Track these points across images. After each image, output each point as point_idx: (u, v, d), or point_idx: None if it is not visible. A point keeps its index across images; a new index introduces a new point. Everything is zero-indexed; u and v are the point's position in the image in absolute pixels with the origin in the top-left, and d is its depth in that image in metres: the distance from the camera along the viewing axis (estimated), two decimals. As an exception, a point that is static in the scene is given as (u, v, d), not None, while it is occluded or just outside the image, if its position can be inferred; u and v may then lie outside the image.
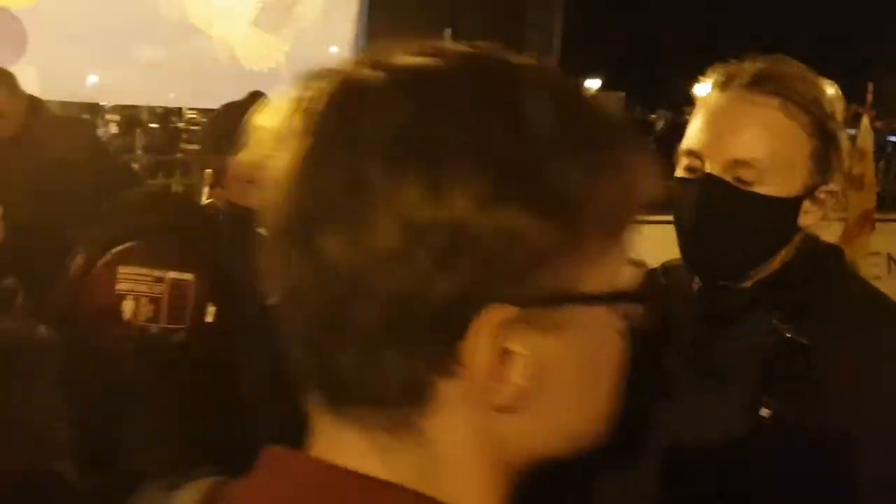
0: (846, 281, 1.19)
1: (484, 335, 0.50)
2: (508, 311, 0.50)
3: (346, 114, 0.52)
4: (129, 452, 1.96)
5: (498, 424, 0.53)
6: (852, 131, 6.38)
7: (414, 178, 0.49)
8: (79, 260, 1.90)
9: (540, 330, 0.52)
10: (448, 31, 11.57)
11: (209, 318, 1.83)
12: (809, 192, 1.14)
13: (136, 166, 7.60)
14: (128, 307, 1.75)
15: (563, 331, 0.52)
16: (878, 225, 6.13)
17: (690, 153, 1.15)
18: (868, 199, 6.03)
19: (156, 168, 10.93)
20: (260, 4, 5.14)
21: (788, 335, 1.05)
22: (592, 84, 33.20)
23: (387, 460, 0.52)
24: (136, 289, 1.76)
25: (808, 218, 1.16)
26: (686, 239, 1.16)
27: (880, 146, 13.08)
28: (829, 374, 1.03)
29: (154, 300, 1.77)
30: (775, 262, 1.18)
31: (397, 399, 0.52)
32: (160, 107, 9.21)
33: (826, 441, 1.03)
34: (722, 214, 1.12)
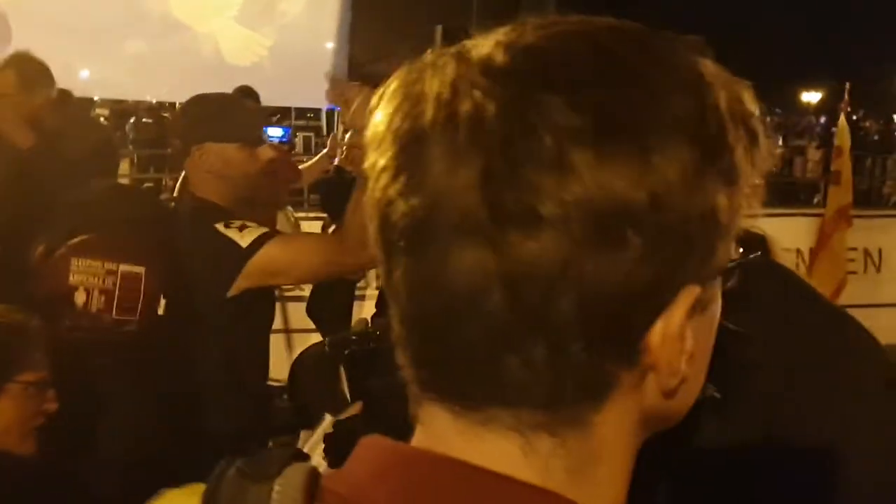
0: (772, 269, 1.26)
1: (676, 319, 0.48)
2: (696, 291, 0.48)
3: (521, 99, 0.46)
4: (103, 439, 2.03)
5: (655, 408, 0.52)
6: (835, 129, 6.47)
7: (623, 160, 0.45)
8: (39, 250, 1.96)
9: (700, 307, 0.50)
10: (440, 28, 11.66)
11: (160, 311, 1.89)
12: None
13: (126, 160, 7.66)
14: (80, 298, 1.81)
15: (711, 305, 0.52)
16: (855, 221, 6.20)
17: None
18: (845, 196, 6.11)
19: (147, 162, 10.98)
20: (243, 1, 5.20)
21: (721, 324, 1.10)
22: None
23: (536, 463, 0.49)
24: (89, 280, 1.82)
25: None
26: None
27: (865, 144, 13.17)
28: (759, 357, 1.09)
29: (105, 292, 1.82)
30: None
31: (577, 396, 0.48)
32: (151, 101, 9.25)
33: (753, 418, 1.09)
34: None
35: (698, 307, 0.49)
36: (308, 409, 2.72)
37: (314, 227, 4.98)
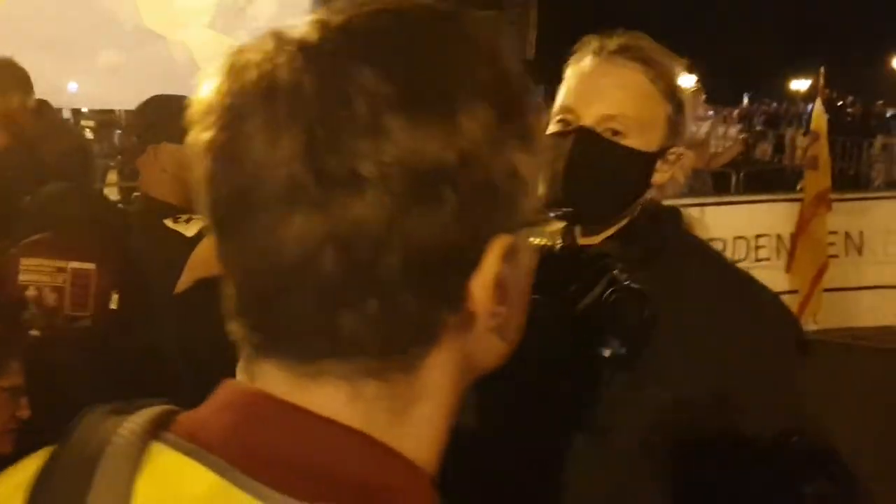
0: (682, 238, 1.31)
1: (491, 266, 0.53)
2: (507, 240, 0.54)
3: (335, 72, 0.50)
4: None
5: (477, 349, 0.56)
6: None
7: (433, 123, 0.50)
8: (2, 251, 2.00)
9: (512, 255, 0.55)
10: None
11: (113, 306, 1.92)
12: (663, 151, 1.26)
13: (115, 171, 7.68)
14: (31, 296, 1.85)
15: (520, 253, 0.56)
16: (835, 205, 6.24)
17: (565, 110, 1.25)
18: (823, 180, 6.14)
19: (135, 171, 11.00)
20: (214, 7, 5.22)
21: (626, 283, 1.15)
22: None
23: (361, 407, 0.53)
24: (39, 279, 1.85)
25: (659, 176, 1.27)
26: (558, 185, 1.24)
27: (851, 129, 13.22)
28: (665, 317, 1.14)
29: (57, 289, 1.86)
30: (623, 220, 1.29)
31: (408, 343, 0.53)
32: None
33: (662, 375, 1.13)
34: (594, 162, 1.23)
35: (511, 255, 0.54)
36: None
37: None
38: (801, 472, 1.11)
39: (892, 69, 37.68)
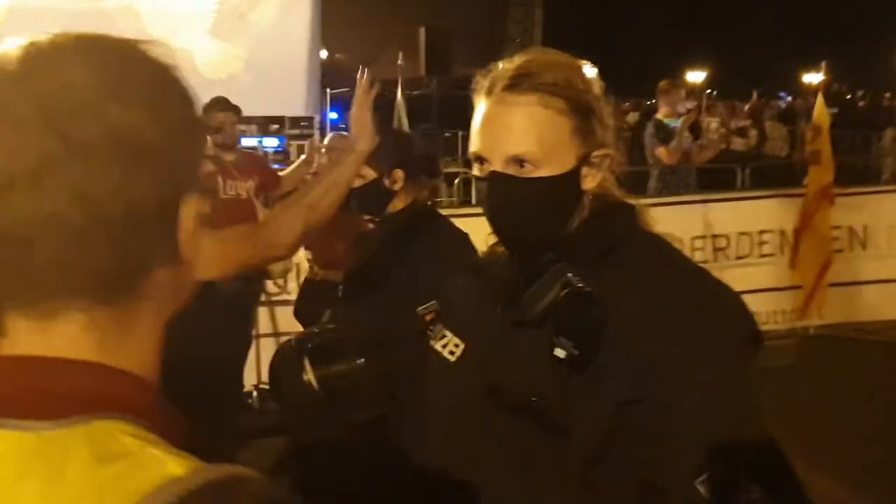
0: (634, 234, 1.32)
1: (186, 218, 0.71)
2: (195, 199, 0.72)
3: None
4: None
5: (179, 286, 0.74)
6: (835, 110, 6.47)
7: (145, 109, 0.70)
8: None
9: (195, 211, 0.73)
10: (422, 31, 11.75)
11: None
12: (583, 162, 1.28)
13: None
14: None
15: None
16: (838, 199, 6.24)
17: (475, 156, 1.31)
18: (826, 175, 6.14)
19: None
20: (215, 15, 5.30)
21: (577, 285, 1.19)
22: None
23: (94, 335, 0.68)
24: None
25: (589, 181, 1.30)
26: (494, 228, 1.33)
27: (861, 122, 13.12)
28: (617, 317, 1.18)
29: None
30: (574, 223, 1.32)
31: (132, 277, 0.69)
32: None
33: (614, 372, 1.17)
34: (513, 203, 1.27)
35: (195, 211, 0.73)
36: (285, 400, 2.84)
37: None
38: (734, 481, 1.15)
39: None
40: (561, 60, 1.31)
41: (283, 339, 5.17)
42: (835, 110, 19.31)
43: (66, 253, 0.65)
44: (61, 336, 0.67)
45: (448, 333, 1.43)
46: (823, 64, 6.52)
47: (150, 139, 0.67)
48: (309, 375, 2.63)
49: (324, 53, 18.64)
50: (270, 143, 13.20)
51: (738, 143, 20.06)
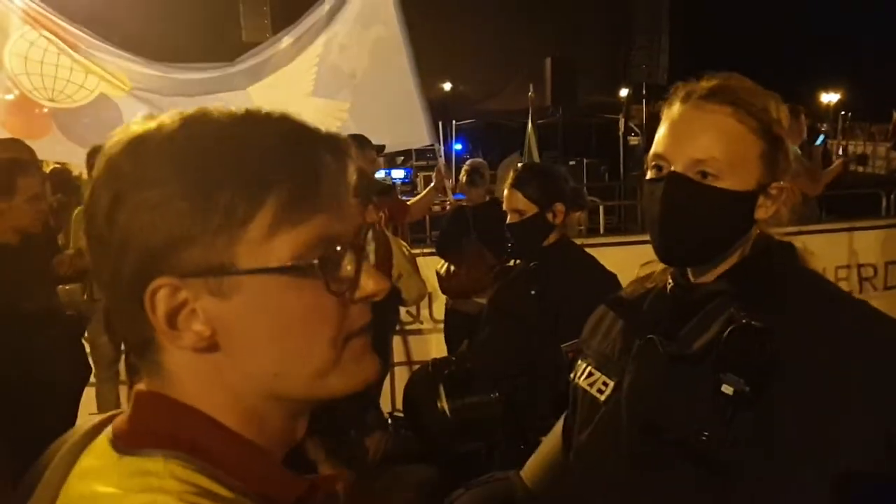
0: (798, 273, 1.31)
1: (157, 298, 0.70)
2: (168, 280, 0.70)
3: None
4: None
5: (213, 362, 0.73)
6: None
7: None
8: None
9: (209, 293, 0.71)
10: (549, 61, 11.84)
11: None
12: (762, 188, 1.27)
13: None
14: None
15: (233, 294, 0.71)
16: None
17: (657, 157, 1.30)
18: None
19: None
20: (314, 77, 5.58)
21: (744, 321, 1.18)
22: (711, 98, 32.28)
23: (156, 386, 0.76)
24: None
25: (762, 211, 1.29)
26: (656, 231, 1.29)
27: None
28: (786, 354, 1.15)
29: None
30: (734, 257, 1.30)
31: (140, 347, 0.75)
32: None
33: (788, 413, 1.14)
34: (687, 206, 1.26)
35: (205, 291, 0.71)
36: (419, 423, 2.90)
37: (435, 262, 5.20)
38: None
39: None
40: (759, 87, 1.33)
41: (416, 367, 5.31)
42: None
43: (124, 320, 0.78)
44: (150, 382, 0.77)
45: (595, 371, 1.41)
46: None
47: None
48: (443, 404, 2.68)
49: (448, 86, 19.02)
50: (398, 174, 13.65)
51: (878, 167, 18.89)
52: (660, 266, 1.39)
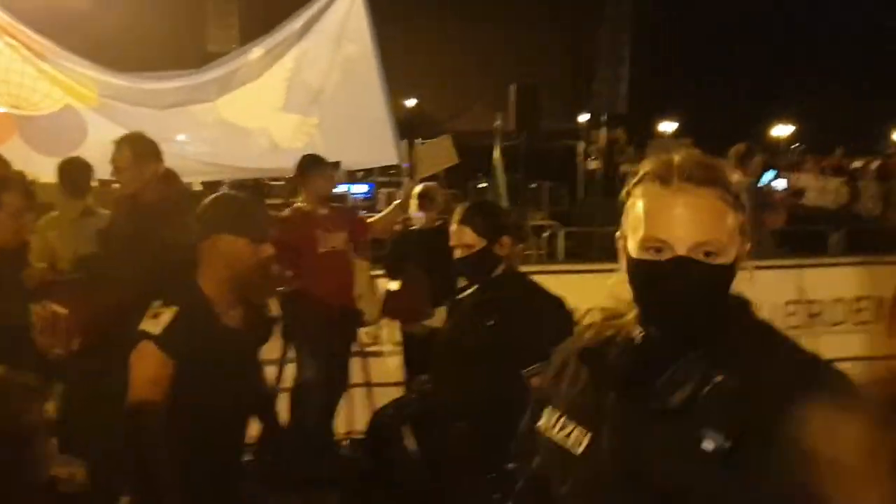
0: (755, 328, 1.38)
1: None
2: None
3: None
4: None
5: None
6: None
7: None
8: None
9: None
10: (513, 87, 11.99)
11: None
12: (742, 257, 1.35)
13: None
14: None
15: None
16: None
17: (655, 240, 1.32)
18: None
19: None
20: (285, 92, 5.60)
21: (719, 377, 1.24)
22: (668, 127, 32.91)
23: None
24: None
25: (736, 275, 1.36)
26: (661, 313, 1.33)
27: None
28: (754, 409, 1.20)
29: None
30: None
31: None
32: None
33: (766, 470, 1.20)
34: (697, 287, 1.31)
35: None
36: (385, 464, 2.93)
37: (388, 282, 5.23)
38: None
39: None
40: (717, 161, 1.39)
41: (376, 389, 5.33)
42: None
43: None
44: None
45: (568, 422, 1.42)
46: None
47: None
48: (408, 441, 2.75)
49: (411, 102, 19.05)
50: (359, 189, 13.58)
51: (828, 201, 19.43)
52: (624, 315, 1.42)
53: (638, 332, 1.39)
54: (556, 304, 2.76)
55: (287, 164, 5.10)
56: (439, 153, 5.79)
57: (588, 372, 1.43)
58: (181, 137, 5.53)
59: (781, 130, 33.19)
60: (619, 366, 1.39)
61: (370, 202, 13.09)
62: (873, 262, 6.48)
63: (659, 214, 1.32)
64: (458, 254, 2.81)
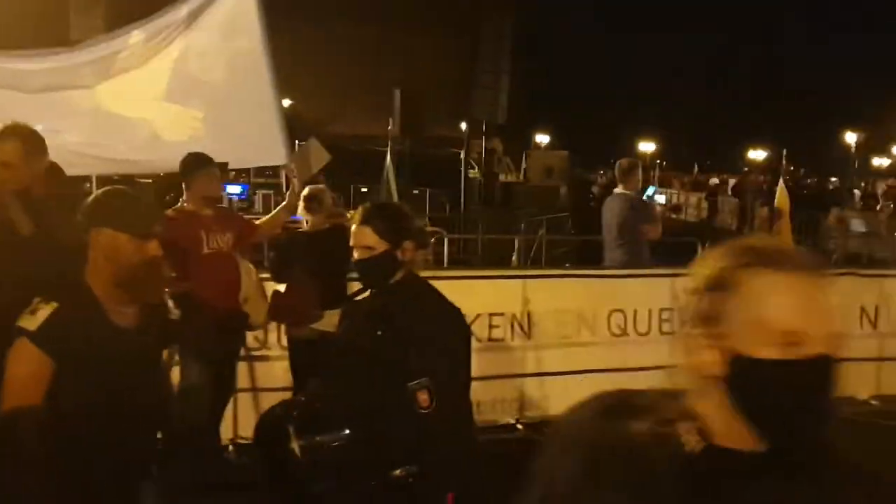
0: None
1: None
2: None
3: None
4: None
5: None
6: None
7: None
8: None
9: None
10: (398, 92, 12.01)
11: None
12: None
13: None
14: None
15: None
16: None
17: (790, 333, 1.12)
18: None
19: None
20: (167, 82, 5.38)
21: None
22: (542, 139, 34.04)
23: None
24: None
25: None
26: (798, 419, 1.14)
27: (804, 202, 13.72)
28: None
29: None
30: None
31: None
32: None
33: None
34: (830, 387, 1.13)
35: None
36: (270, 466, 2.85)
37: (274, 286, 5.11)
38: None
39: (845, 145, 39.01)
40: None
41: (262, 394, 5.18)
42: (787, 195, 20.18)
43: None
44: None
45: None
46: (784, 151, 6.89)
47: None
48: (293, 444, 2.66)
49: (287, 102, 18.76)
50: (234, 189, 13.23)
51: (690, 215, 20.60)
52: (678, 418, 1.20)
53: (695, 441, 1.18)
54: (453, 314, 2.69)
55: (169, 158, 4.87)
56: (311, 155, 5.71)
57: (630, 484, 1.19)
58: (54, 125, 5.14)
59: (646, 147, 34.92)
60: (668, 481, 1.16)
61: (245, 203, 12.77)
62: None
63: (795, 304, 1.13)
64: (357, 255, 2.69)
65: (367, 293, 2.80)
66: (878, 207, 17.09)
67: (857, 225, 15.36)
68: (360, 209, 2.76)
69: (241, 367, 4.93)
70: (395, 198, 8.77)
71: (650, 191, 7.69)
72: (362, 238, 2.67)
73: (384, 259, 2.67)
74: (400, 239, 2.68)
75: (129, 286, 2.32)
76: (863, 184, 26.52)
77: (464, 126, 14.45)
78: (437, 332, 2.60)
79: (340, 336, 2.89)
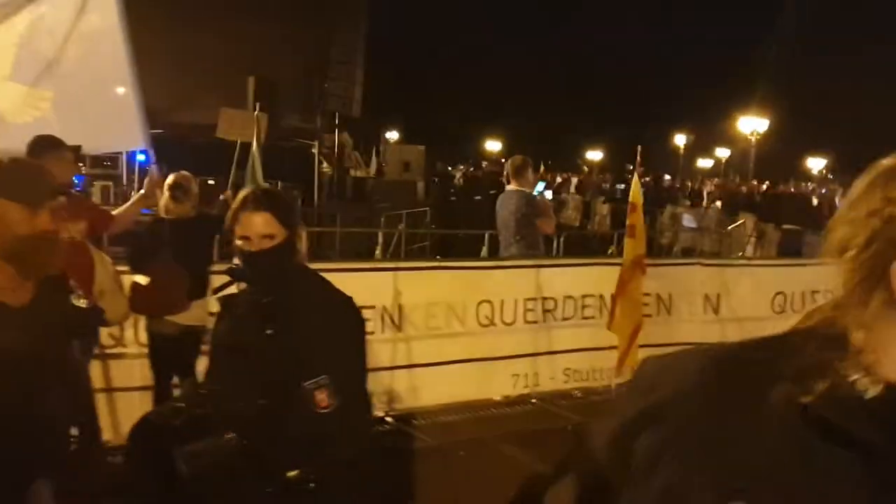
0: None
1: None
2: None
3: None
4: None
5: None
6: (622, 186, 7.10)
7: None
8: None
9: None
10: (252, 79, 11.60)
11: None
12: None
13: None
14: None
15: None
16: (648, 269, 6.84)
17: None
18: (640, 246, 6.72)
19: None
20: (13, 59, 4.97)
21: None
22: (392, 135, 34.16)
23: None
24: None
25: None
26: None
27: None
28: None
29: None
30: None
31: None
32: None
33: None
34: None
35: None
36: (146, 475, 2.64)
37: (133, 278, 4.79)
38: None
39: (676, 146, 42.43)
40: None
41: (118, 394, 4.83)
42: (622, 187, 21.52)
43: None
44: None
45: None
46: (639, 148, 7.21)
47: None
48: (178, 457, 2.41)
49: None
50: (69, 181, 12.32)
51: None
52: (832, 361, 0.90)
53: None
54: (348, 305, 2.53)
55: (14, 141, 4.46)
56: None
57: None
58: None
59: (492, 146, 35.83)
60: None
61: (81, 195, 11.93)
62: (597, 263, 7.20)
63: None
64: (253, 246, 2.43)
65: (236, 286, 2.60)
66: (704, 205, 18.48)
67: (688, 221, 16.52)
68: (246, 195, 2.54)
69: (95, 366, 4.58)
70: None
71: (540, 187, 7.86)
72: (262, 226, 2.42)
73: (286, 248, 2.45)
74: (296, 225, 2.50)
75: (17, 259, 2.15)
76: (689, 182, 28.50)
77: (318, 119, 14.21)
78: (335, 326, 2.46)
79: (221, 335, 2.63)
